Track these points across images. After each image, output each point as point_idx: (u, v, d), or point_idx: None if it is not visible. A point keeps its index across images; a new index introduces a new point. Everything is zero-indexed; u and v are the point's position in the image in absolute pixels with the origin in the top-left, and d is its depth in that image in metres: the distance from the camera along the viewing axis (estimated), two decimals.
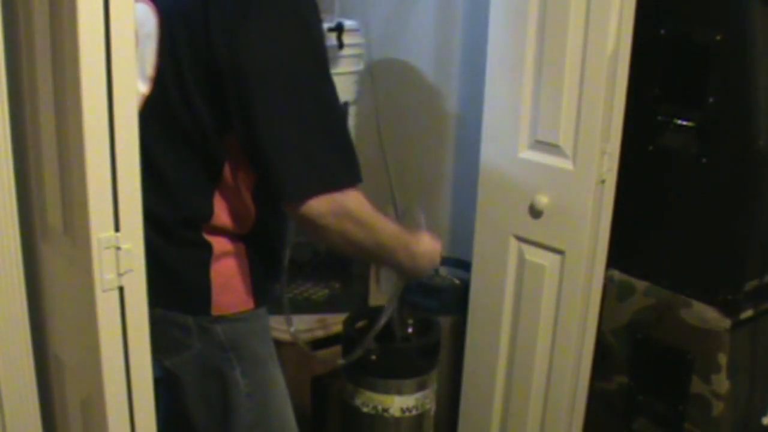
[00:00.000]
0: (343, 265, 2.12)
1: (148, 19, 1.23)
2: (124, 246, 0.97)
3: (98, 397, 1.02)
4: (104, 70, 0.92)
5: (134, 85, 0.96)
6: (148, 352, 1.05)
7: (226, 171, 1.23)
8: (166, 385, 1.43)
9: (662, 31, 1.77)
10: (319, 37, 1.19)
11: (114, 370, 1.01)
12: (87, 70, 0.91)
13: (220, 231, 1.27)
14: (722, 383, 1.77)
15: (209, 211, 1.25)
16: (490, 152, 1.85)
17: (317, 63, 1.18)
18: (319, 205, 1.16)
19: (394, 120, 2.36)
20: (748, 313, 1.80)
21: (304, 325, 1.99)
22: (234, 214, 1.27)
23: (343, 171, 1.19)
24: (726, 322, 1.75)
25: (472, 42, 2.18)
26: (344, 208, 1.19)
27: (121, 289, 0.99)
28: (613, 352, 1.96)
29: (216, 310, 1.27)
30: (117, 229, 0.97)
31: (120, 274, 0.98)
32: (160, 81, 1.21)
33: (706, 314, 1.77)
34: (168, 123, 1.21)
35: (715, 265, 1.77)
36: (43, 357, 1.14)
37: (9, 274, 1.03)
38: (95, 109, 0.92)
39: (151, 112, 1.19)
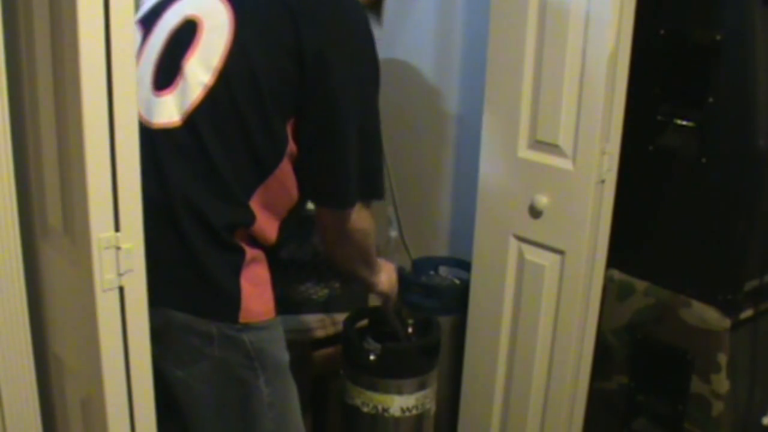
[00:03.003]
0: None
1: (218, 12, 1.25)
2: (124, 246, 0.97)
3: (98, 397, 1.01)
4: (104, 70, 0.92)
5: (134, 84, 0.96)
6: (148, 352, 1.05)
7: (274, 177, 1.27)
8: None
9: (662, 31, 1.77)
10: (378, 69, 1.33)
11: (114, 370, 1.01)
12: (87, 69, 0.91)
13: (250, 239, 1.27)
14: (722, 383, 1.77)
15: (252, 217, 1.26)
16: (490, 152, 1.85)
17: (377, 92, 1.32)
18: (358, 214, 1.34)
19: (394, 120, 2.35)
20: (748, 313, 1.80)
21: (304, 325, 1.99)
22: (268, 223, 1.29)
23: (381, 186, 1.35)
24: (726, 322, 1.75)
25: (472, 42, 2.18)
26: (369, 221, 1.39)
27: (121, 289, 0.99)
28: (613, 352, 1.96)
29: (244, 318, 1.26)
30: (117, 229, 0.97)
31: (120, 274, 0.98)
32: (225, 77, 1.22)
33: (706, 314, 1.77)
34: (229, 120, 1.22)
35: (715, 265, 1.77)
36: (43, 357, 1.14)
37: (9, 274, 1.03)
38: (95, 109, 0.92)
39: (212, 107, 1.21)
